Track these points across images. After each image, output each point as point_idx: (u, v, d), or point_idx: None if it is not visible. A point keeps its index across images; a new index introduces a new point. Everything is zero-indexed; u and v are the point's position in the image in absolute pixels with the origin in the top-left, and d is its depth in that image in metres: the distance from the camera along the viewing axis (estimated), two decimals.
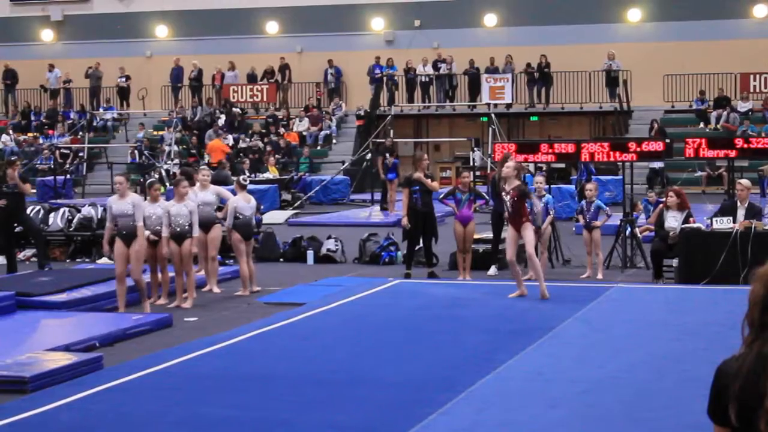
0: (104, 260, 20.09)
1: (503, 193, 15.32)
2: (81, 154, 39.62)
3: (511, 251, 15.30)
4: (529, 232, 15.18)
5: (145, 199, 15.41)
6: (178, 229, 15.18)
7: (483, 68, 39.70)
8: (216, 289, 16.58)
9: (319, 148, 39.63)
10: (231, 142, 37.71)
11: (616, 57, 38.43)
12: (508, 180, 15.24)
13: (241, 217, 16.42)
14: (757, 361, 3.72)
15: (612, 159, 19.17)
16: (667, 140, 19.52)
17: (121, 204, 14.67)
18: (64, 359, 11.05)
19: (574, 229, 22.78)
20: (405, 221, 17.54)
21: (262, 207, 23.57)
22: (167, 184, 21.34)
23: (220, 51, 42.49)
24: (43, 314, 14.33)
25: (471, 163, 32.06)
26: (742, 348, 3.79)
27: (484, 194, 19.00)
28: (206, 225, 16.38)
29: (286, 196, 32.24)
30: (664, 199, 17.66)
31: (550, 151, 19.20)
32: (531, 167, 25.34)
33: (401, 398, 9.56)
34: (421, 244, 18.00)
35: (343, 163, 35.62)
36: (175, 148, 36.96)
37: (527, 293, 15.08)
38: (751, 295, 3.79)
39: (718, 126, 36.61)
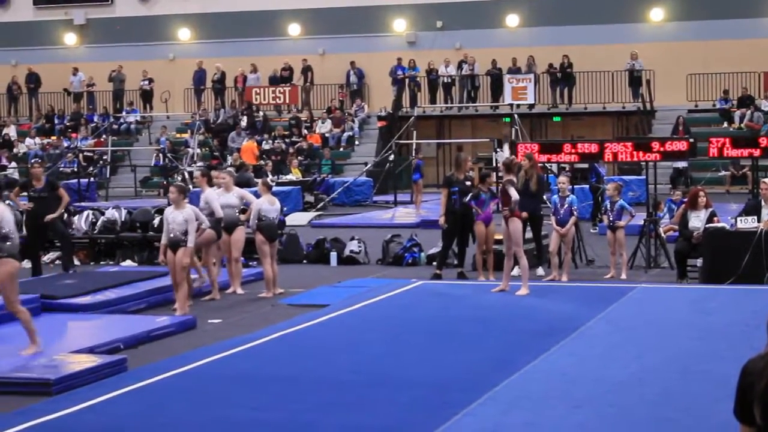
0: (128, 263, 20.18)
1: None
2: (105, 157, 39.76)
3: (508, 244, 15.80)
4: (515, 225, 15.59)
5: (168, 204, 15.39)
6: (172, 236, 14.69)
7: (505, 69, 39.64)
8: (240, 291, 16.62)
9: (341, 149, 39.65)
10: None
11: (639, 57, 38.32)
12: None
13: (265, 218, 16.42)
14: None
15: (635, 159, 19.12)
16: (691, 140, 19.46)
17: None
18: (88, 361, 11.10)
19: (597, 229, 22.77)
20: (442, 221, 17.58)
21: (285, 209, 23.60)
22: (191, 186, 21.33)
23: (243, 53, 42.53)
24: (67, 317, 14.39)
25: (494, 164, 32.01)
26: (766, 347, 3.78)
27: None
28: (230, 227, 16.41)
29: (309, 198, 32.27)
30: (686, 200, 17.60)
31: (573, 151, 19.18)
32: (554, 168, 25.31)
33: (425, 399, 9.56)
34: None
35: (365, 164, 35.63)
36: (198, 150, 37.05)
37: (508, 288, 15.55)
38: None
39: (742, 125, 36.48)
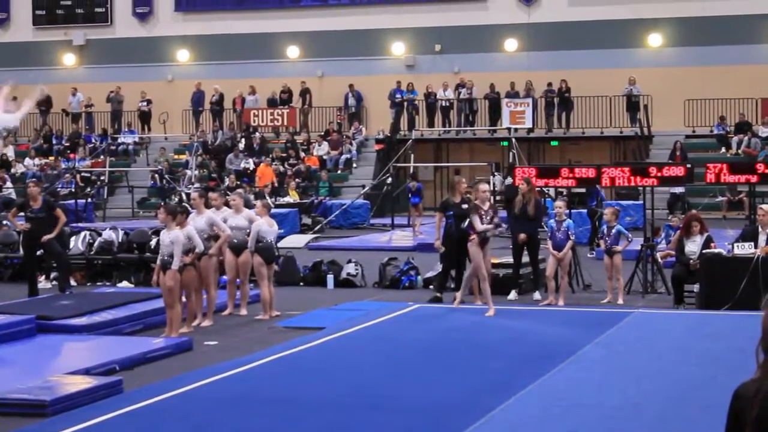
0: (125, 284, 20.17)
1: (481, 213, 15.79)
2: (102, 177, 39.77)
3: (484, 270, 15.85)
4: (487, 249, 16.04)
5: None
6: (163, 258, 14.63)
7: (503, 93, 39.73)
8: (243, 312, 16.60)
9: (339, 172, 39.67)
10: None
11: (636, 82, 38.41)
12: (484, 202, 15.97)
13: (263, 240, 16.39)
14: None
15: (633, 184, 19.15)
16: (688, 165, 19.49)
17: None
18: (84, 383, 11.07)
19: (594, 253, 22.76)
20: (438, 244, 17.62)
21: (281, 231, 23.57)
22: (189, 208, 21.32)
23: (241, 75, 42.61)
24: (63, 338, 14.34)
25: (491, 188, 32.01)
26: (757, 373, 3.79)
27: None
28: (237, 249, 16.36)
29: (307, 221, 32.25)
30: (681, 226, 17.59)
31: (571, 175, 19.20)
32: (552, 192, 25.34)
33: (421, 423, 9.54)
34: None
35: (363, 187, 35.66)
36: (196, 172, 37.07)
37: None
38: (764, 323, 3.80)
39: (739, 151, 36.52)
